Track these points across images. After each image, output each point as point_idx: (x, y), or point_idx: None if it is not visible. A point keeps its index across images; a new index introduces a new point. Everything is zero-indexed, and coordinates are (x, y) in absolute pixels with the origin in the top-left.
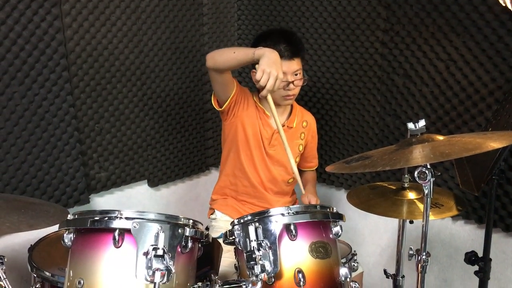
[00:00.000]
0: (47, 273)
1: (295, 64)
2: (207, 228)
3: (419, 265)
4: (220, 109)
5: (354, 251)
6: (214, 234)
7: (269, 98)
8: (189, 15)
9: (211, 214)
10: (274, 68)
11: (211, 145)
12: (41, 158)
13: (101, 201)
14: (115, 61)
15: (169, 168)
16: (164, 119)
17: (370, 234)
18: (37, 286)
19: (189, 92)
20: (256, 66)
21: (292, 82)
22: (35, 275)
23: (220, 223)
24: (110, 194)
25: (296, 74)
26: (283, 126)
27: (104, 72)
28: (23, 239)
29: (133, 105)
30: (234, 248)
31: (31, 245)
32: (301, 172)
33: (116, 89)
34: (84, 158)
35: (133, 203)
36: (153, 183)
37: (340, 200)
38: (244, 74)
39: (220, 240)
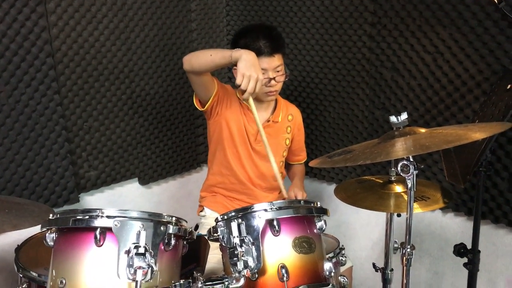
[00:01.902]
0: (34, 273)
1: (276, 60)
2: (197, 226)
3: (404, 258)
4: (202, 109)
5: (342, 245)
6: (203, 231)
7: (251, 101)
8: (176, 11)
9: (201, 211)
10: (253, 71)
11: (201, 142)
12: (29, 158)
13: (91, 200)
14: (102, 59)
15: (159, 166)
16: (154, 116)
17: (362, 228)
18: (24, 286)
19: (178, 89)
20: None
21: (274, 78)
22: (21, 275)
23: (209, 220)
24: (101, 193)
25: (277, 70)
26: (268, 121)
27: (91, 70)
28: (11, 239)
29: (122, 103)
30: (220, 244)
31: (18, 245)
32: (289, 165)
33: (104, 87)
34: (73, 157)
35: (124, 201)
36: (144, 181)
37: (330, 194)
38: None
39: None
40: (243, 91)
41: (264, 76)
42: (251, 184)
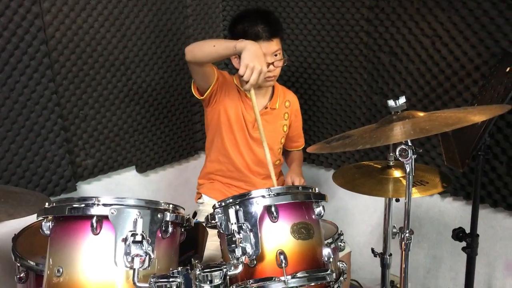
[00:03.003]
0: (31, 262)
1: (274, 45)
2: (195, 213)
3: (403, 243)
4: (201, 97)
5: (341, 231)
6: (201, 218)
7: (252, 92)
8: None
9: (198, 198)
10: (257, 62)
11: (199, 129)
12: (25, 147)
13: (89, 189)
14: (97, 46)
15: (157, 153)
16: (150, 103)
17: (360, 214)
18: (21, 275)
19: (174, 76)
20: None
21: (272, 63)
22: (18, 264)
23: (208, 207)
24: (98, 181)
25: (275, 55)
26: (265, 108)
27: (86, 58)
28: (8, 228)
29: (118, 90)
30: (218, 231)
31: (14, 234)
32: (287, 152)
33: (99, 74)
34: (69, 145)
35: (122, 189)
36: (141, 169)
37: (328, 180)
38: None
39: None
40: (246, 82)
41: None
42: (249, 171)
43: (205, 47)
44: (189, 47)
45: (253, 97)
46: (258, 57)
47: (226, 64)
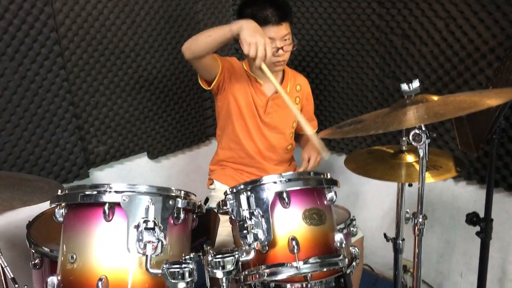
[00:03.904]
0: (46, 249)
1: (283, 29)
2: (207, 199)
3: (416, 228)
4: (209, 88)
5: (353, 216)
6: (213, 204)
7: (264, 67)
8: None
9: (210, 184)
10: (258, 36)
11: (210, 115)
12: (37, 134)
13: (101, 175)
14: (107, 33)
15: (168, 140)
16: (161, 90)
17: (372, 199)
18: (36, 261)
19: (184, 62)
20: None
21: (282, 47)
22: (33, 251)
23: (219, 193)
24: (110, 168)
25: (285, 40)
26: (276, 92)
27: (96, 44)
28: (23, 215)
29: (128, 77)
30: (229, 217)
31: (29, 221)
32: (300, 136)
33: (109, 61)
34: (81, 132)
35: (134, 176)
36: (153, 155)
37: (340, 166)
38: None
39: None
40: (254, 59)
41: (271, 45)
42: (261, 158)
43: (201, 39)
44: (185, 45)
45: (267, 71)
46: (257, 31)
47: (236, 50)
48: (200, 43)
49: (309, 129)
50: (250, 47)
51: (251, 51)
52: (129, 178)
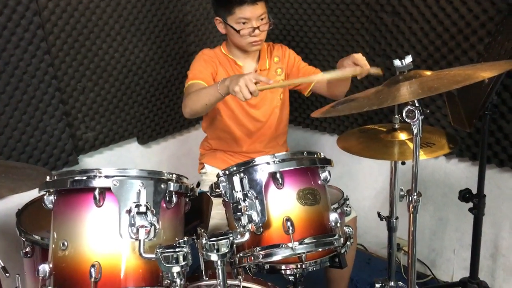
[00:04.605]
0: (36, 237)
1: (259, 8)
2: (198, 184)
3: (410, 205)
4: None
5: (347, 196)
6: (205, 188)
7: (258, 90)
8: None
9: (201, 168)
10: (239, 81)
11: None
12: (24, 121)
13: (90, 162)
14: (92, 16)
15: (158, 125)
16: (149, 74)
17: (365, 178)
18: (27, 250)
19: (172, 45)
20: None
21: (258, 27)
22: (24, 239)
23: (211, 177)
24: (100, 154)
25: (261, 19)
26: (255, 71)
27: (81, 28)
28: (13, 204)
29: (115, 61)
30: (222, 200)
31: (18, 209)
32: (321, 86)
33: (95, 45)
34: (68, 118)
35: (124, 162)
36: (143, 141)
37: (333, 146)
38: None
39: None
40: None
41: (247, 25)
42: (252, 139)
43: (198, 107)
44: (184, 109)
45: (265, 87)
46: (237, 77)
47: None
48: (197, 107)
49: (319, 75)
50: (241, 94)
51: (244, 95)
52: (119, 164)
